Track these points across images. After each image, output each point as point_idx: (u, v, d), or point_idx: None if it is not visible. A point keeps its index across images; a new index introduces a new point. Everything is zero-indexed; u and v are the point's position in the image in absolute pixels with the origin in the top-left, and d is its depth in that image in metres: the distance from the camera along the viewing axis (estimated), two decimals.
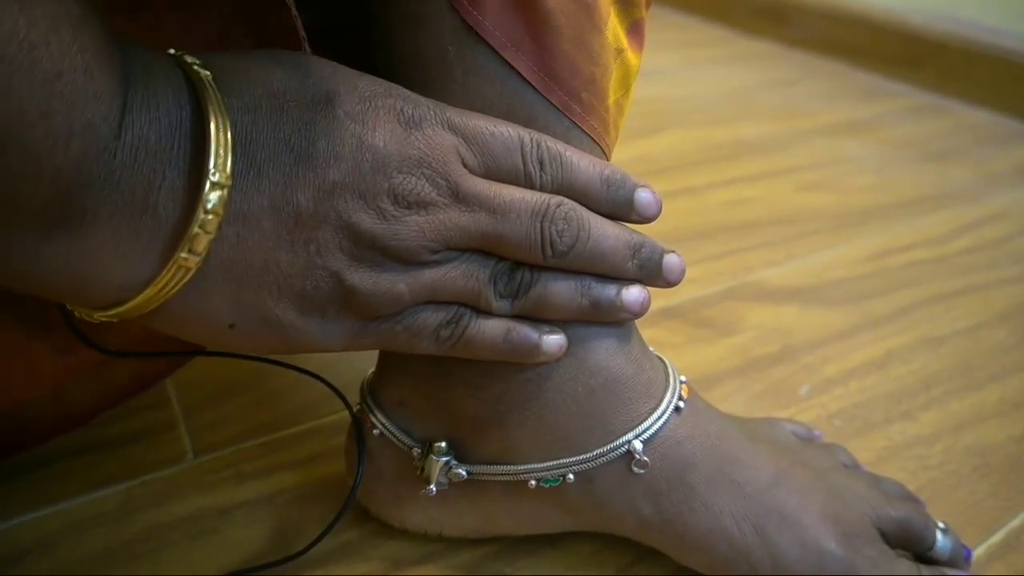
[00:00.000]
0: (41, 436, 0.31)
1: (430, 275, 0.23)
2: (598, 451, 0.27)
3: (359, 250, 0.22)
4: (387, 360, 0.29)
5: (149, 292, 0.20)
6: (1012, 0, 0.99)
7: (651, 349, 0.30)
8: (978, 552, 0.34)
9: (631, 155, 0.74)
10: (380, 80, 0.23)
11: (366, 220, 0.22)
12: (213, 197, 0.20)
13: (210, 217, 0.20)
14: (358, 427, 0.31)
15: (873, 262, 0.58)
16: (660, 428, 0.27)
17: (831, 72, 1.05)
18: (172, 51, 0.22)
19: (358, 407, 0.31)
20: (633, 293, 0.26)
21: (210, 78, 0.21)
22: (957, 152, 0.82)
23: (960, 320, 0.51)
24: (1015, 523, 0.35)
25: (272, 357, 0.30)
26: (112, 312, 0.21)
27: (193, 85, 0.20)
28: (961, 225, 0.65)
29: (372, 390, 0.30)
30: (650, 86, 0.92)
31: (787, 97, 0.95)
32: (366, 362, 0.31)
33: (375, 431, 0.29)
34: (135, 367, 0.31)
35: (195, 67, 0.21)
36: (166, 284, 0.20)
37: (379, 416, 0.29)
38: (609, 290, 0.26)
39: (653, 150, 0.75)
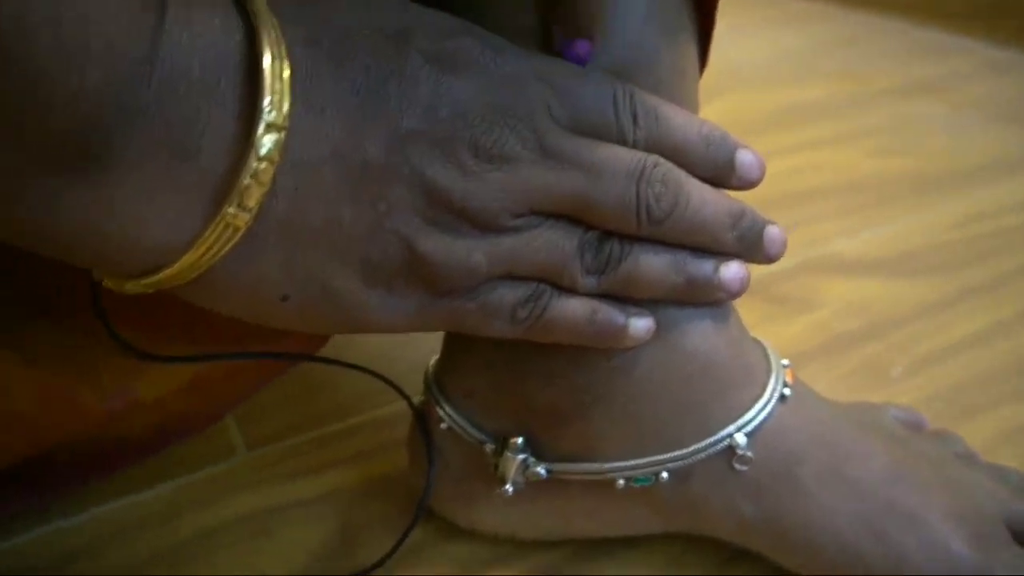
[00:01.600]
0: (98, 469, 0.29)
1: (510, 244, 0.20)
2: (695, 446, 0.24)
3: (433, 211, 0.19)
4: (453, 345, 0.27)
5: (190, 256, 0.18)
6: None
7: (747, 330, 0.27)
8: None
9: None
10: (457, 19, 0.21)
11: (443, 175, 0.19)
12: (268, 141, 0.17)
13: (263, 165, 0.17)
14: (422, 422, 0.28)
15: (958, 230, 0.53)
16: (765, 419, 0.24)
17: (891, 30, 0.99)
18: None
19: (421, 398, 0.28)
20: (732, 269, 0.23)
21: (265, 4, 0.18)
22: None
23: None
24: None
25: (318, 354, 0.28)
26: (146, 281, 0.18)
27: (245, 9, 0.17)
28: None
29: (438, 379, 0.27)
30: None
31: (846, 58, 0.90)
32: (419, 351, 0.29)
33: (442, 424, 0.27)
34: (195, 403, 0.28)
35: None
36: (211, 246, 0.18)
37: (447, 408, 0.27)
38: (706, 266, 0.22)
39: (715, 115, 0.70)
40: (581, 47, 0.21)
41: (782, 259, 0.49)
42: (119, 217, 0.17)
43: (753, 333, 0.42)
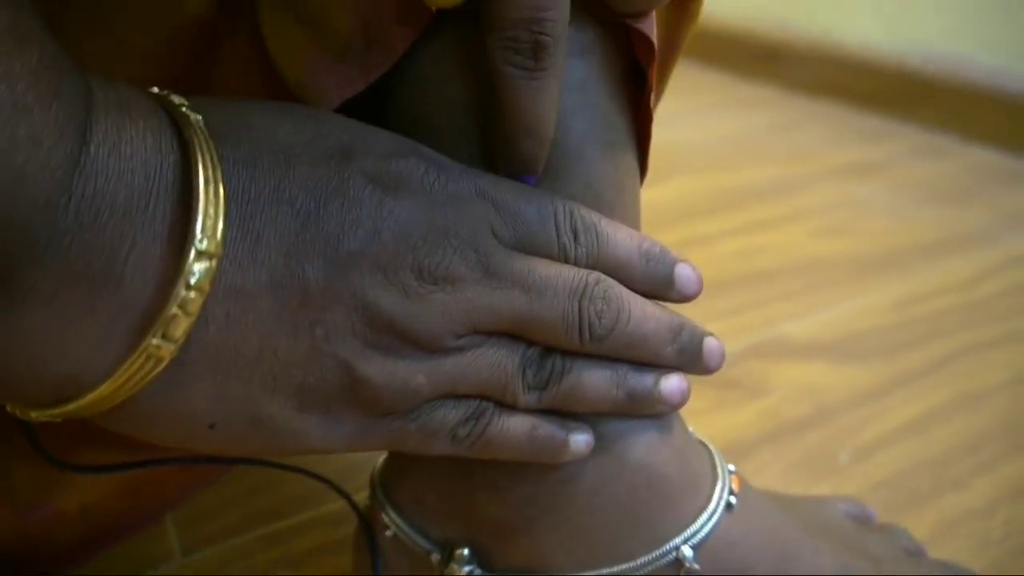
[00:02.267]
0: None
1: (452, 364, 0.20)
2: (643, 559, 0.24)
3: (374, 334, 0.19)
4: (400, 453, 0.26)
5: (107, 387, 0.17)
6: (1010, 38, 0.98)
7: (692, 433, 0.27)
8: None
9: None
10: (401, 137, 0.21)
11: (386, 299, 0.19)
12: (198, 269, 0.16)
13: (192, 295, 0.16)
14: (366, 525, 0.27)
15: (899, 311, 0.55)
16: (711, 530, 0.24)
17: (831, 115, 1.04)
18: (155, 89, 0.18)
19: (366, 502, 0.28)
20: (672, 383, 0.23)
21: (201, 122, 0.17)
22: (970, 193, 0.80)
23: (999, 372, 0.48)
24: None
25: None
26: (56, 411, 0.17)
27: (179, 130, 0.17)
28: (986, 268, 0.63)
29: (384, 484, 0.27)
30: (654, 131, 0.91)
31: (790, 141, 0.94)
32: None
33: (387, 531, 0.26)
34: (125, 510, 0.27)
35: (183, 108, 0.17)
36: (131, 377, 0.17)
37: (393, 515, 0.26)
38: (647, 380, 0.23)
39: (660, 199, 0.73)
40: (525, 181, 0.22)
41: (732, 343, 0.50)
42: (27, 348, 0.16)
43: (705, 420, 0.42)
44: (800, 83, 1.12)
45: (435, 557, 0.25)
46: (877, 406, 0.44)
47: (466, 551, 0.25)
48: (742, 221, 0.69)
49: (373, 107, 0.22)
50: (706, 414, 0.43)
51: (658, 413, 0.24)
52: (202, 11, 0.21)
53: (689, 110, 1.02)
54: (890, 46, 1.06)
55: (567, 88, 0.21)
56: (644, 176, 0.26)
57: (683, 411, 0.43)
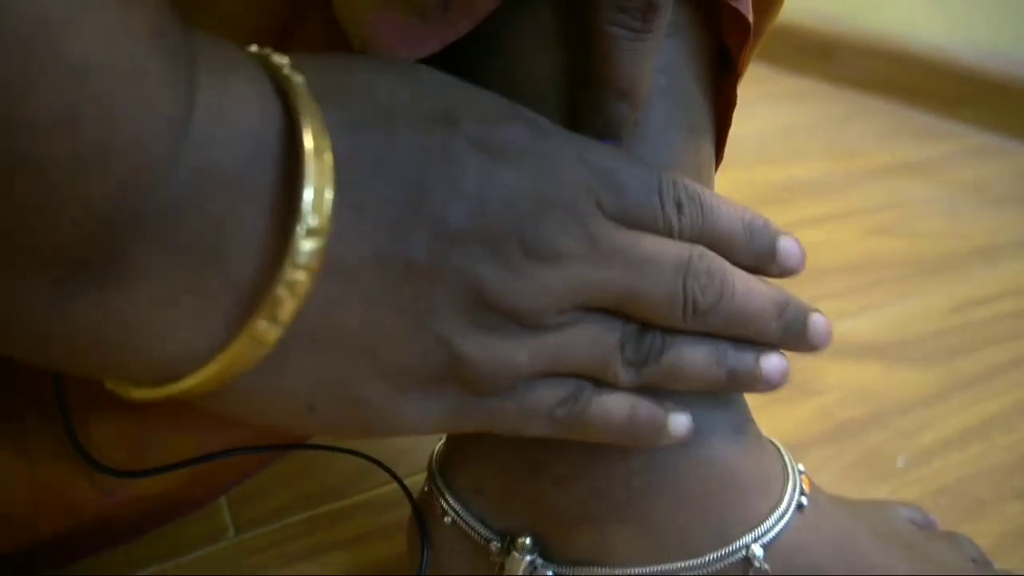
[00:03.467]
0: (83, 553, 0.27)
1: (554, 342, 0.20)
2: (712, 555, 0.23)
3: (477, 311, 0.18)
4: (461, 439, 0.26)
5: (210, 370, 0.16)
6: None
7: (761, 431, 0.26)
8: None
9: None
10: (503, 99, 0.20)
11: (491, 275, 0.18)
12: (307, 248, 0.15)
13: (301, 276, 0.15)
14: (418, 512, 0.27)
15: (956, 315, 0.54)
16: (782, 530, 0.23)
17: (881, 110, 1.02)
18: (255, 47, 0.17)
19: (424, 488, 0.27)
20: (773, 362, 0.22)
21: (304, 86, 0.16)
22: None
23: None
24: None
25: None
26: (158, 392, 0.17)
27: (283, 93, 0.16)
28: None
29: (443, 470, 0.26)
30: None
31: (839, 136, 0.92)
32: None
33: (446, 518, 0.26)
34: (192, 491, 0.27)
35: (284, 70, 0.16)
36: (234, 362, 0.16)
37: (452, 502, 0.26)
38: (748, 358, 0.22)
39: None
40: None
41: None
42: (132, 327, 0.15)
43: (759, 417, 0.41)
44: (852, 78, 1.10)
45: (495, 546, 0.25)
46: (935, 410, 0.43)
47: (528, 540, 0.24)
48: (792, 217, 0.68)
49: (457, 71, 0.21)
50: (761, 410, 0.42)
51: (757, 391, 0.23)
52: None
53: (746, 100, 1.00)
54: (946, 43, 1.03)
55: (655, 69, 0.21)
56: (720, 162, 0.26)
57: None
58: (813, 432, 0.41)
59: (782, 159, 0.83)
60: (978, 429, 0.42)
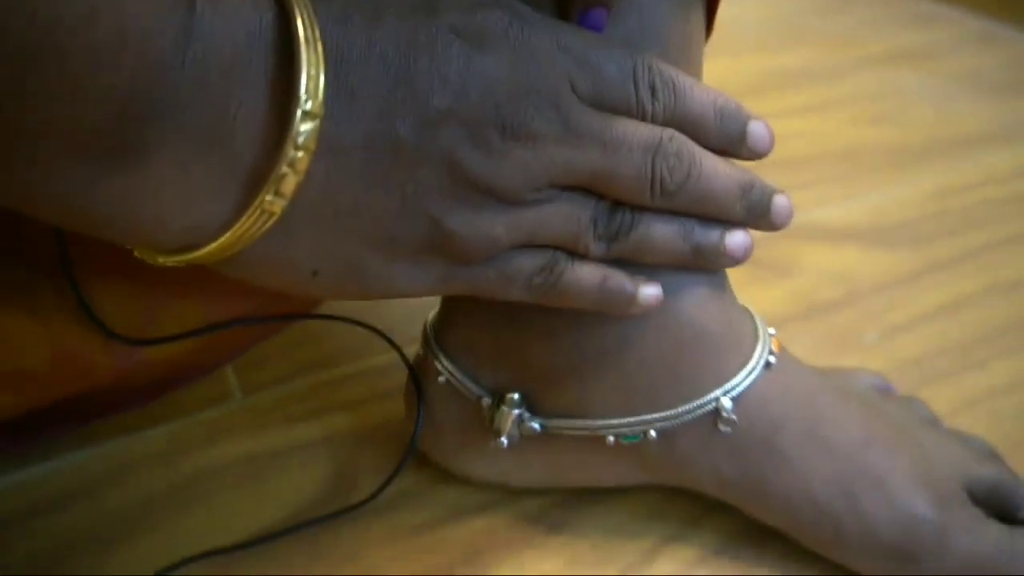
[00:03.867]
0: (98, 415, 0.29)
1: (530, 216, 0.21)
2: (683, 408, 0.25)
3: (459, 189, 0.20)
4: (454, 302, 0.27)
5: (226, 238, 0.18)
6: None
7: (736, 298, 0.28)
8: None
9: None
10: None
11: (471, 156, 0.19)
12: (305, 129, 0.17)
13: (300, 155, 0.17)
14: (413, 373, 0.29)
15: (937, 201, 0.55)
16: (750, 385, 0.25)
17: None
18: None
19: (419, 352, 0.29)
20: (737, 238, 0.24)
21: None
22: (1018, 84, 0.77)
23: None
24: None
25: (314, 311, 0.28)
26: (181, 258, 0.19)
27: None
28: None
29: (437, 333, 0.28)
30: None
31: (837, 23, 0.90)
32: (409, 302, 0.30)
33: (440, 378, 0.28)
34: (199, 358, 0.29)
35: None
36: (247, 230, 0.18)
37: (445, 362, 0.27)
38: (713, 234, 0.23)
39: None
40: (597, 16, 0.22)
41: None
42: (154, 202, 0.17)
43: (737, 295, 0.43)
44: None
45: (485, 402, 0.27)
46: (906, 290, 0.45)
47: (516, 395, 0.26)
48: (781, 106, 0.68)
49: None
50: (739, 289, 0.44)
51: (720, 267, 0.25)
52: None
53: None
54: None
55: None
56: (710, 35, 0.26)
57: None
58: (787, 311, 0.43)
59: (775, 47, 0.81)
60: (947, 307, 0.44)
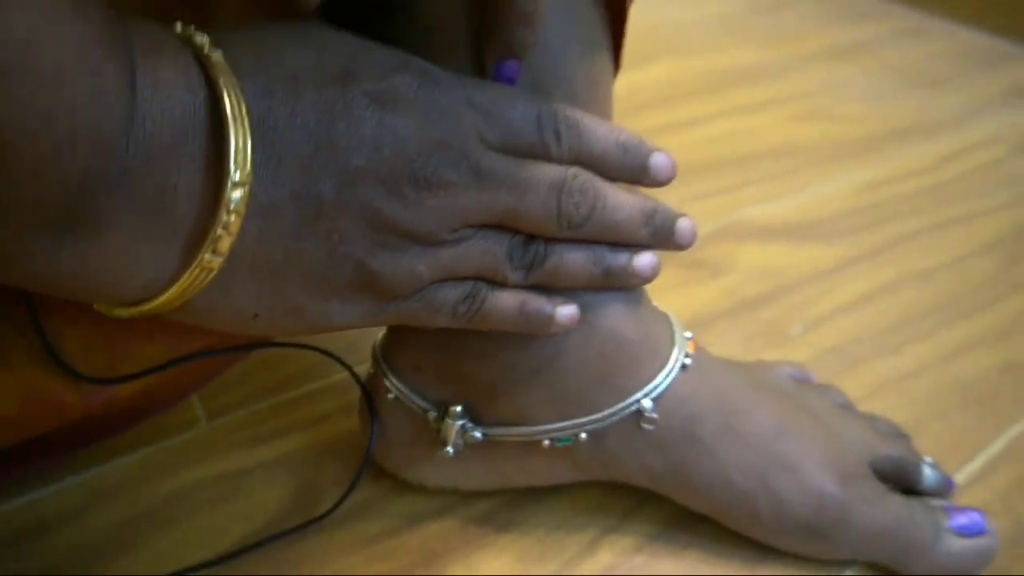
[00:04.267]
0: (71, 449, 0.31)
1: (448, 254, 0.23)
2: (609, 411, 0.28)
3: (380, 236, 0.22)
4: (398, 328, 0.30)
5: (172, 292, 0.20)
6: None
7: (656, 306, 0.31)
8: (960, 478, 0.36)
9: (623, 88, 0.72)
10: (397, 52, 0.23)
11: (389, 207, 0.22)
12: (236, 196, 0.19)
13: (233, 218, 0.19)
14: (366, 392, 0.31)
15: (864, 195, 0.58)
16: (668, 386, 0.28)
17: None
18: (179, 25, 0.20)
19: (370, 371, 0.32)
20: (644, 260, 0.26)
21: (223, 60, 0.19)
22: (948, 76, 0.81)
23: (948, 251, 0.52)
24: (994, 449, 0.37)
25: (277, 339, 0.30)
26: (136, 310, 0.21)
27: (204, 68, 0.19)
28: (951, 152, 0.65)
29: (385, 354, 0.30)
30: (641, 12, 0.89)
31: (778, 21, 0.93)
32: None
33: (390, 395, 0.30)
34: (166, 391, 0.31)
35: (205, 49, 0.19)
36: (190, 285, 0.20)
37: (394, 380, 0.30)
38: (621, 258, 0.26)
39: (645, 81, 0.74)
40: (511, 67, 0.24)
41: (704, 224, 0.53)
42: (108, 265, 0.19)
43: (672, 296, 0.46)
44: None
45: (432, 415, 0.30)
46: (830, 283, 0.48)
47: (459, 408, 0.29)
48: (723, 105, 0.71)
49: (371, 15, 0.24)
50: (673, 290, 0.47)
51: (632, 286, 0.27)
52: None
53: None
54: None
55: None
56: (617, 72, 0.28)
57: (652, 288, 0.48)
58: (719, 308, 0.46)
59: (718, 47, 0.84)
60: (866, 297, 0.47)
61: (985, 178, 0.61)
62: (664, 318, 0.30)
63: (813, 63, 0.82)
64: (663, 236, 0.26)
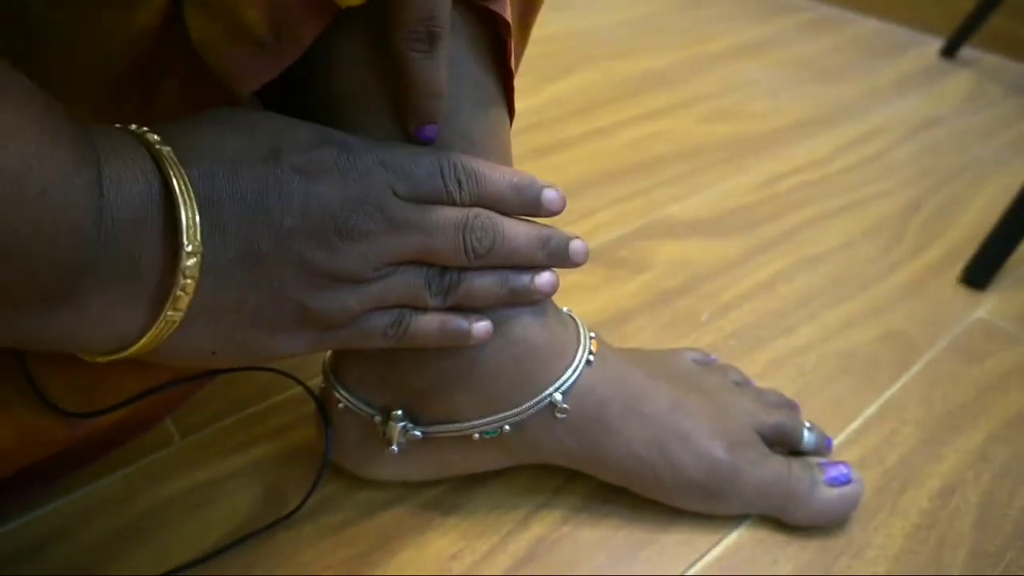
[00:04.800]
0: (59, 476, 0.35)
1: (375, 289, 0.28)
2: (526, 405, 0.33)
3: (314, 279, 0.26)
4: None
5: (142, 342, 0.24)
6: None
7: (564, 311, 0.36)
8: (840, 439, 0.42)
9: (544, 99, 0.77)
10: (317, 127, 0.27)
11: (319, 256, 0.26)
12: (190, 263, 0.23)
13: (189, 281, 0.24)
14: (319, 403, 0.36)
15: (765, 188, 0.64)
16: (575, 380, 0.33)
17: None
18: (133, 126, 0.25)
19: (322, 385, 0.36)
20: (544, 278, 0.31)
21: (171, 153, 0.24)
22: (847, 67, 0.88)
23: (837, 237, 0.58)
24: (869, 412, 0.44)
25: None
26: (114, 357, 0.25)
27: (156, 160, 0.23)
28: (845, 143, 0.72)
29: (334, 370, 0.35)
30: (559, 21, 0.94)
31: (692, 20, 0.99)
32: None
33: (340, 404, 0.35)
34: (144, 417, 0.35)
35: (156, 144, 0.24)
36: (157, 335, 0.24)
37: (343, 392, 0.34)
38: (524, 278, 0.31)
39: (564, 91, 0.79)
40: (430, 130, 0.28)
41: (623, 227, 0.59)
42: (87, 327, 0.23)
43: (595, 295, 0.52)
44: None
45: (377, 419, 0.34)
46: (736, 272, 0.54)
47: (399, 412, 0.34)
48: (639, 110, 0.76)
49: (297, 86, 0.28)
50: (596, 289, 0.52)
51: (536, 301, 0.32)
52: (152, 22, 0.26)
53: None
54: None
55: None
56: (512, 117, 0.33)
57: (578, 289, 0.53)
58: (639, 302, 0.51)
59: (638, 50, 0.89)
60: (765, 284, 0.53)
61: (871, 168, 0.68)
62: (571, 322, 0.35)
63: (721, 62, 0.87)
64: (559, 256, 0.31)
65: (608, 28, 0.95)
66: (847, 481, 0.37)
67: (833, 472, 0.37)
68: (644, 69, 0.85)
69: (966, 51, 0.92)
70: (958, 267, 0.55)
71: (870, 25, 1.00)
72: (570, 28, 0.92)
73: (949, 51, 0.91)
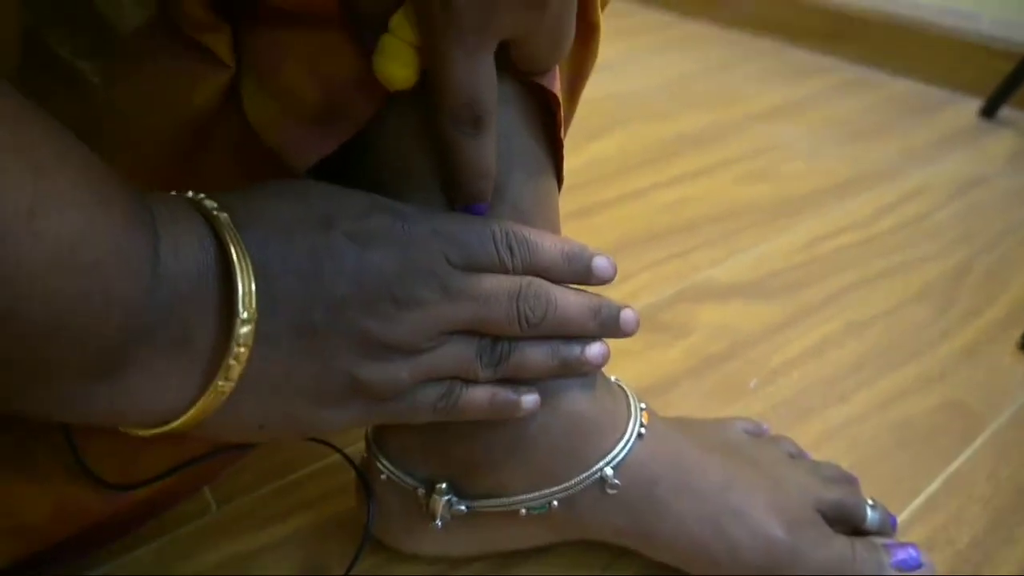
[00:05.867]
0: (96, 546, 0.34)
1: (427, 360, 0.27)
2: (576, 479, 0.32)
3: (366, 349, 0.26)
4: None
5: (190, 415, 0.24)
6: None
7: (613, 380, 0.35)
8: (903, 517, 0.40)
9: (583, 160, 0.78)
10: (369, 195, 0.27)
11: (372, 325, 0.25)
12: (244, 331, 0.23)
13: (242, 349, 0.23)
14: (361, 475, 0.35)
15: (805, 251, 0.63)
16: (627, 454, 0.32)
17: (765, 51, 1.10)
18: (190, 193, 0.25)
19: (364, 455, 0.35)
20: (595, 350, 0.30)
21: (228, 221, 0.23)
22: (882, 127, 0.88)
23: (883, 301, 0.57)
24: (932, 488, 0.42)
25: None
26: (159, 431, 0.24)
27: (212, 227, 0.23)
28: (885, 205, 0.71)
29: (376, 440, 0.34)
30: (594, 84, 0.95)
31: (724, 82, 1.00)
32: None
33: (382, 476, 0.34)
34: (181, 487, 0.34)
35: (214, 211, 0.24)
36: (206, 407, 0.24)
37: (385, 463, 0.33)
38: (575, 349, 0.30)
39: (601, 153, 0.79)
40: (480, 208, 0.28)
41: (663, 290, 0.58)
42: (137, 399, 0.23)
43: (638, 360, 0.50)
44: (737, 20, 1.17)
45: (420, 491, 0.33)
46: (782, 337, 0.53)
47: (444, 485, 0.33)
48: (675, 172, 0.76)
49: (349, 160, 0.29)
50: (638, 355, 0.51)
51: (587, 373, 0.31)
52: (208, 104, 0.27)
53: (632, 55, 1.06)
54: None
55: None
56: (561, 185, 0.33)
57: (619, 354, 0.52)
58: (682, 368, 0.50)
59: (672, 112, 0.90)
60: (814, 349, 0.52)
61: (915, 229, 0.67)
62: (621, 393, 0.34)
63: (756, 123, 0.88)
64: (610, 327, 0.31)
65: (642, 91, 0.96)
66: (917, 565, 0.35)
67: (901, 555, 0.35)
68: (678, 131, 0.85)
69: (1005, 111, 0.91)
70: (1015, 332, 0.53)
71: (903, 86, 1.00)
72: (605, 91, 0.94)
73: (988, 111, 0.90)
